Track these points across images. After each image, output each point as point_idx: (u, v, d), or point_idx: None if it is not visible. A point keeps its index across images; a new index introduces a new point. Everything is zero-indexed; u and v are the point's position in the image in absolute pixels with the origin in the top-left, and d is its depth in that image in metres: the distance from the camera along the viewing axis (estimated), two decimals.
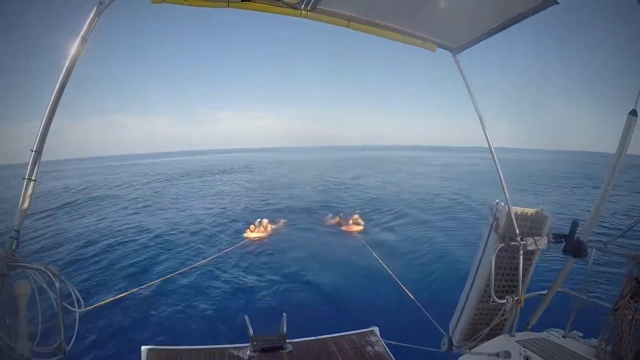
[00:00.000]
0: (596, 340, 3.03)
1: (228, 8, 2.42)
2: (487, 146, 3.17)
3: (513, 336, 3.35)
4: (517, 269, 3.19)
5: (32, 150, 2.08)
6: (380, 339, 4.13)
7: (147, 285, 7.25)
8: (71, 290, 2.25)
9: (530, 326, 3.56)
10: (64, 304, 2.16)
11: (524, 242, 3.10)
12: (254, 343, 3.93)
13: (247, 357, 3.82)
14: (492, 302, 3.12)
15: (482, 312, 3.44)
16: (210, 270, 9.67)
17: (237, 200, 23.69)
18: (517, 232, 3.10)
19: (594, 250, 3.09)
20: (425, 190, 26.24)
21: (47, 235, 14.89)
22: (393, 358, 3.86)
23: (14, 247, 2.06)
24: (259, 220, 14.77)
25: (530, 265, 3.30)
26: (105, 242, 13.41)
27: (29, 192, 2.10)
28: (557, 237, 3.16)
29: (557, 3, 2.21)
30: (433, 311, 4.34)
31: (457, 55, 3.09)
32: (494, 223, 3.23)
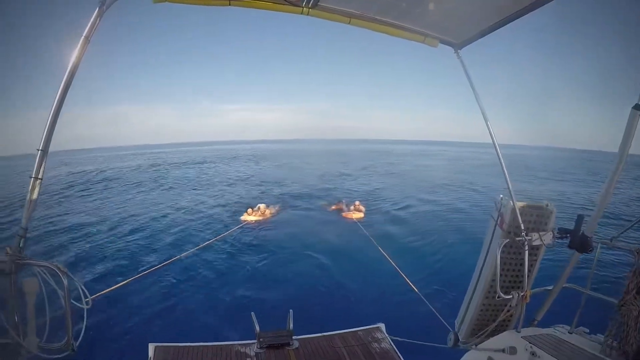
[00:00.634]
0: (602, 335, 3.03)
1: (230, 6, 2.43)
2: (491, 141, 3.16)
3: (519, 332, 3.36)
4: (522, 264, 3.18)
5: (37, 150, 2.10)
6: (387, 335, 4.14)
7: (150, 271, 7.35)
8: (79, 287, 2.26)
9: (536, 322, 3.56)
10: (71, 300, 2.18)
11: (529, 238, 3.09)
12: (261, 339, 3.95)
13: (253, 353, 3.84)
14: (498, 297, 3.12)
15: (487, 308, 3.44)
16: (209, 260, 9.81)
17: (244, 187, 24.24)
18: (522, 227, 3.09)
19: (599, 245, 3.08)
20: (430, 184, 26.25)
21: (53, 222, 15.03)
22: (399, 354, 3.87)
23: (21, 244, 2.09)
24: (258, 205, 15.00)
25: (536, 260, 3.29)
26: (108, 227, 13.58)
27: (36, 190, 2.12)
28: (562, 232, 3.15)
29: None
30: (439, 307, 4.35)
31: (459, 51, 3.08)
32: (499, 218, 3.22)
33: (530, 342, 3.13)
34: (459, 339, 3.62)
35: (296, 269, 9.47)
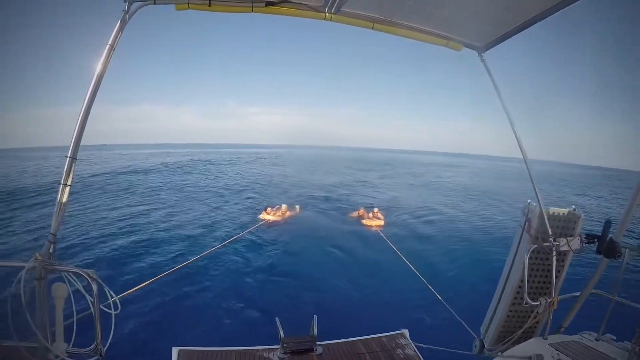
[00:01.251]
0: (630, 343, 3.01)
1: (252, 13, 2.44)
2: (518, 146, 3.11)
3: (546, 339, 3.34)
4: (549, 270, 3.17)
5: (66, 157, 2.12)
6: (410, 341, 4.12)
7: (171, 272, 7.23)
8: (107, 292, 2.27)
9: (562, 329, 3.52)
10: (100, 306, 2.19)
11: (557, 243, 3.09)
12: (284, 345, 3.94)
13: (277, 359, 3.84)
14: (525, 304, 3.10)
15: (514, 314, 3.41)
16: (230, 261, 9.88)
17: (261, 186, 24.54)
18: (550, 232, 3.09)
19: (627, 250, 3.05)
20: (454, 192, 26.30)
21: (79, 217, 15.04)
22: None
23: (51, 250, 2.11)
24: (279, 206, 14.83)
25: (563, 266, 3.28)
26: (129, 228, 13.53)
27: (65, 196, 2.14)
28: (589, 238, 3.14)
29: None
30: (464, 314, 4.32)
31: (483, 54, 3.04)
32: (526, 224, 3.23)
33: (556, 349, 3.11)
34: (484, 346, 3.59)
35: (319, 274, 9.46)
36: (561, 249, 3.12)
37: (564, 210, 3.19)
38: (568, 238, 3.12)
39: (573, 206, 3.21)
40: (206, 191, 23.11)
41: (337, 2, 2.45)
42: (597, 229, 3.19)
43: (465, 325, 4.01)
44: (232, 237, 10.98)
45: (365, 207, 15.53)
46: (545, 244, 3.11)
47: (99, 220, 14.45)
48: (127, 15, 2.19)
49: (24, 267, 2.02)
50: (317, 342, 4.04)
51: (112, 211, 16.22)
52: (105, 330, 2.23)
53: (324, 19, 2.54)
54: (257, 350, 3.98)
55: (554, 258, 3.11)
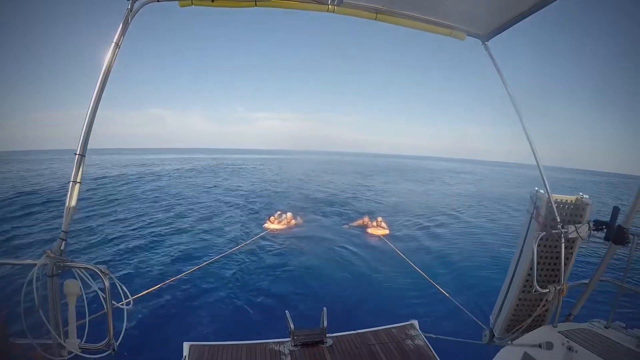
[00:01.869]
0: (639, 330, 3.00)
1: (255, 7, 2.45)
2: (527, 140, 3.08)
3: (555, 327, 3.32)
4: (558, 257, 3.17)
5: (75, 154, 2.15)
6: (420, 332, 4.13)
7: (185, 274, 7.50)
8: (119, 288, 2.29)
9: (572, 317, 3.52)
10: (112, 302, 2.22)
11: (565, 230, 3.08)
12: (295, 337, 3.98)
13: (288, 351, 3.86)
14: (535, 291, 3.11)
15: (523, 302, 3.41)
16: (242, 261, 9.95)
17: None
18: (558, 219, 3.09)
19: (635, 237, 3.05)
20: (463, 190, 26.37)
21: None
22: (433, 351, 3.85)
23: (62, 247, 2.14)
24: (278, 212, 14.80)
25: (572, 253, 3.27)
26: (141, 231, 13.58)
27: (75, 194, 2.17)
28: (598, 225, 3.13)
29: None
30: (473, 303, 4.33)
31: (487, 43, 3.01)
32: (535, 211, 3.21)
33: (566, 337, 3.10)
34: (494, 335, 3.58)
35: (327, 270, 9.58)
36: (570, 235, 3.11)
37: (571, 197, 3.19)
38: (576, 225, 3.12)
39: (580, 193, 3.21)
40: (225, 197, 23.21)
41: None
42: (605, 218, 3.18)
43: (472, 316, 4.02)
44: (241, 243, 11.13)
45: (370, 216, 15.48)
46: (553, 231, 3.10)
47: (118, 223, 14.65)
48: (130, 13, 2.22)
49: (35, 264, 2.05)
50: (327, 334, 4.06)
51: (140, 217, 16.29)
52: (118, 326, 2.26)
53: (327, 10, 2.54)
54: (268, 343, 4.01)
55: (563, 245, 3.11)
